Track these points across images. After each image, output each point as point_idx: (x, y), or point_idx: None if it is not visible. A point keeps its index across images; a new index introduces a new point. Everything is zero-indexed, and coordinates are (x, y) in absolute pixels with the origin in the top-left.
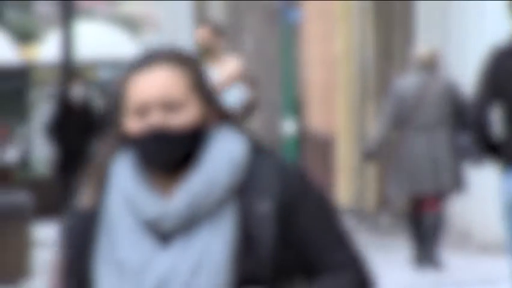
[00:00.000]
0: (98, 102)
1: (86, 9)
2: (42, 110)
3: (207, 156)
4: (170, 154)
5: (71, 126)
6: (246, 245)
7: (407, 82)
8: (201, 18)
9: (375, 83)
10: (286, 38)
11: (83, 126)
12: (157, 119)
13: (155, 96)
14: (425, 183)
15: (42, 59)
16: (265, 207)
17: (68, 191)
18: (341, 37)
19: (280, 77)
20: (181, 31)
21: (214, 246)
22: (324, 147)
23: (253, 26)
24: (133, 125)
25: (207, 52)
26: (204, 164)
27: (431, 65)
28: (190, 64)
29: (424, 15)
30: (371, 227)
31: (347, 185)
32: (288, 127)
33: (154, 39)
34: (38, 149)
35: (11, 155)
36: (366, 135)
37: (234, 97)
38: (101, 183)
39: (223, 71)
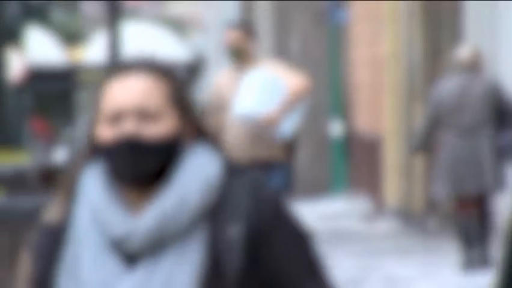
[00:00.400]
0: None
1: (133, 10)
2: (89, 111)
3: (179, 174)
4: (141, 165)
5: None
6: (214, 269)
7: (448, 84)
8: (248, 19)
9: (422, 84)
10: (334, 39)
11: None
12: (130, 127)
13: (130, 103)
14: (467, 183)
15: (89, 60)
16: (235, 231)
17: None
18: (388, 38)
19: (327, 78)
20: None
21: (180, 271)
22: (371, 148)
23: (301, 26)
24: (105, 133)
25: (238, 54)
26: (175, 181)
27: (473, 67)
28: (169, 76)
29: (472, 15)
30: (419, 228)
31: (394, 187)
32: (336, 128)
33: (200, 40)
34: None
35: (58, 156)
36: (414, 136)
37: (292, 122)
38: (69, 196)
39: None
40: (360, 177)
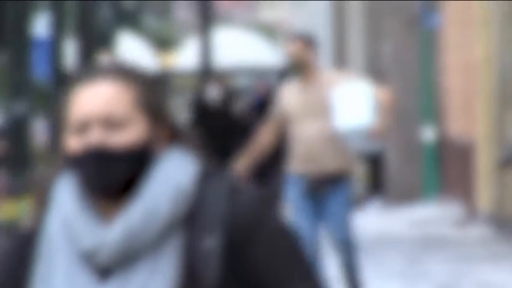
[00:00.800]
0: (236, 108)
1: (225, 16)
2: (181, 116)
3: (149, 183)
4: (110, 176)
5: (209, 129)
6: (190, 280)
7: None
8: (339, 23)
9: None
10: (426, 44)
11: (222, 129)
12: (96, 137)
13: (95, 112)
14: None
15: (181, 66)
16: (212, 241)
17: None
18: (480, 43)
19: (419, 83)
20: (320, 37)
21: (154, 283)
22: (463, 153)
23: (392, 30)
24: (74, 143)
25: (300, 66)
26: (145, 191)
27: None
28: (138, 80)
29: None
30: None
31: (487, 192)
32: (427, 134)
33: None
34: None
35: None
36: (506, 142)
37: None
38: (43, 206)
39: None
40: (452, 182)
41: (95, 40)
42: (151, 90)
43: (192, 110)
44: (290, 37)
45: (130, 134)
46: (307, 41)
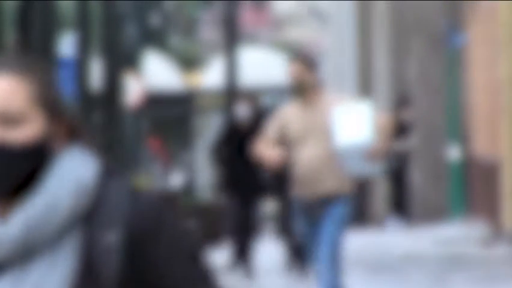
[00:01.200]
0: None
1: (250, 35)
2: (206, 136)
3: (49, 179)
4: (7, 173)
5: (238, 147)
6: (88, 276)
7: None
8: (365, 42)
9: None
10: (451, 63)
11: (250, 147)
12: None
13: None
14: None
15: (206, 85)
16: (112, 237)
17: (237, 215)
18: (505, 62)
19: (444, 102)
20: (345, 57)
21: (50, 279)
22: (489, 172)
23: (418, 50)
24: None
25: (301, 88)
26: (44, 187)
27: None
28: (36, 75)
29: None
30: None
31: None
32: (453, 152)
33: (318, 66)
34: (202, 175)
35: (176, 181)
36: None
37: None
38: None
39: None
40: (478, 201)
41: (120, 59)
42: (48, 85)
43: (222, 130)
44: (291, 58)
45: (27, 130)
46: (308, 62)
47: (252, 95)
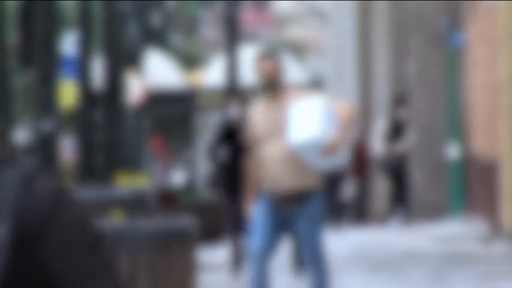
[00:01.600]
0: None
1: (250, 34)
2: (207, 134)
3: None
4: None
5: (233, 147)
6: None
7: None
8: (365, 41)
9: None
10: (450, 62)
11: (245, 148)
12: None
13: None
14: None
15: (207, 83)
16: (1, 230)
17: (232, 211)
18: (504, 61)
19: (444, 101)
20: (345, 55)
21: None
22: (487, 171)
23: (417, 49)
24: None
25: (272, 84)
26: None
27: None
28: None
29: None
30: None
31: (511, 210)
32: (452, 151)
33: (317, 63)
34: (203, 173)
35: (176, 178)
36: None
37: (345, 150)
38: None
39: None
40: (477, 199)
41: (122, 58)
42: None
43: (218, 129)
44: (260, 56)
45: None
46: (278, 60)
47: (244, 95)
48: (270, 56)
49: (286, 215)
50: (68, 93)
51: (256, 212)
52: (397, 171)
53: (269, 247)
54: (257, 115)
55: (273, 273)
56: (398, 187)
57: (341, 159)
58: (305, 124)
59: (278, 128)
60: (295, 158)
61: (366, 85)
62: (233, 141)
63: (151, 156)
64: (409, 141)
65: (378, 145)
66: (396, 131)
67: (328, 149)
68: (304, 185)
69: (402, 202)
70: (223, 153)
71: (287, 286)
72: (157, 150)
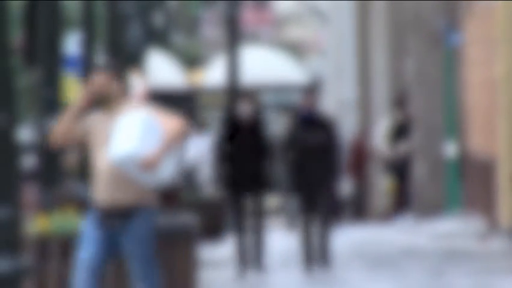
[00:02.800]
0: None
1: (251, 34)
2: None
3: None
4: None
5: (241, 145)
6: None
7: None
8: (363, 41)
9: None
10: (448, 61)
11: (253, 145)
12: None
13: None
14: None
15: (208, 83)
16: None
17: (238, 210)
18: (502, 61)
19: (442, 100)
20: (344, 55)
21: None
22: (485, 169)
23: (416, 48)
24: None
25: (105, 99)
26: None
27: None
28: None
29: None
30: None
31: (508, 206)
32: (450, 149)
33: (317, 63)
34: (204, 171)
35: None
36: None
37: (171, 166)
38: None
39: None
40: (475, 197)
41: (124, 58)
42: None
43: (224, 127)
44: (96, 69)
45: None
46: (113, 73)
47: (253, 93)
48: (104, 69)
49: (112, 230)
50: (72, 92)
51: (86, 223)
52: (402, 171)
53: (97, 260)
54: (93, 124)
55: (283, 272)
56: (403, 187)
57: (166, 174)
58: (124, 138)
59: (106, 140)
60: (119, 173)
61: (365, 84)
62: (240, 139)
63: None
64: (412, 144)
65: (381, 144)
66: (400, 131)
67: (146, 165)
68: (127, 200)
69: (408, 202)
70: (230, 150)
71: (297, 285)
72: None
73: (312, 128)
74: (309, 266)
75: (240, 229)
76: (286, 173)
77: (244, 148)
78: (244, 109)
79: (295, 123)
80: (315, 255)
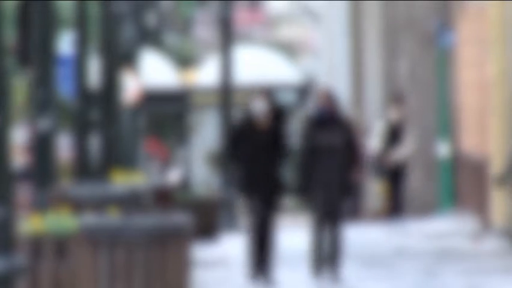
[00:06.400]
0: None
1: (244, 34)
2: (201, 132)
3: None
4: None
5: (257, 145)
6: None
7: None
8: (356, 41)
9: None
10: (441, 62)
11: (270, 145)
12: None
13: None
14: None
15: (201, 83)
16: None
17: (256, 212)
18: (494, 61)
19: (435, 100)
20: (337, 55)
21: None
22: (477, 169)
23: (409, 49)
24: None
25: None
26: None
27: None
28: None
29: None
30: None
31: (500, 206)
32: (442, 149)
33: (310, 63)
34: (198, 171)
35: (172, 176)
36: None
37: None
38: None
39: None
40: (467, 197)
41: (118, 58)
42: None
43: (238, 126)
44: None
45: None
46: None
47: (269, 91)
48: None
49: None
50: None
51: None
52: (395, 175)
53: None
54: None
55: (291, 273)
56: (396, 190)
57: None
58: None
59: None
60: None
61: (358, 84)
62: (256, 138)
63: (148, 154)
64: (409, 148)
65: (376, 147)
66: (394, 133)
67: None
68: None
69: (401, 203)
70: (245, 151)
71: (306, 286)
72: (154, 148)
73: (327, 128)
74: (318, 268)
75: (254, 230)
76: (298, 174)
77: (260, 148)
78: (260, 107)
79: (309, 124)
80: (325, 258)
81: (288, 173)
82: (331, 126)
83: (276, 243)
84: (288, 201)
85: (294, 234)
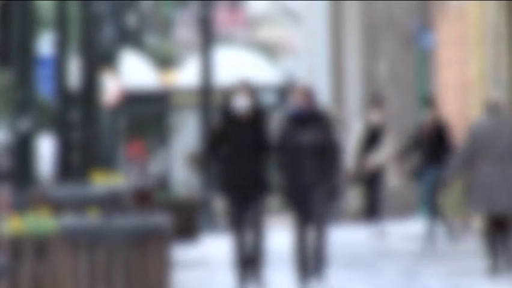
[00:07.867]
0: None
1: (225, 35)
2: (181, 133)
3: None
4: None
5: (239, 143)
6: None
7: (483, 122)
8: (336, 42)
9: (508, 108)
10: (421, 63)
11: (253, 142)
12: None
13: None
14: (500, 203)
15: (182, 83)
16: None
17: (237, 212)
18: (475, 61)
19: (415, 101)
20: (317, 56)
21: None
22: None
23: (389, 49)
24: None
25: None
26: None
27: (497, 108)
28: None
29: None
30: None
31: None
32: None
33: (290, 64)
34: (178, 172)
35: (152, 177)
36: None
37: None
38: None
39: None
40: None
41: (98, 58)
42: None
43: (219, 124)
44: None
45: None
46: None
47: (251, 88)
48: None
49: None
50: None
51: None
52: (373, 177)
53: None
54: None
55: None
56: (374, 192)
57: None
58: None
59: None
60: None
61: (338, 85)
62: (238, 136)
63: (128, 155)
64: (386, 153)
65: (353, 151)
66: (372, 137)
67: None
68: None
69: (380, 205)
70: (227, 150)
71: (275, 283)
72: (134, 149)
73: (306, 126)
74: (303, 270)
75: (238, 231)
76: (279, 174)
77: (243, 146)
78: (242, 102)
79: (288, 122)
80: (310, 259)
81: (271, 172)
82: (311, 123)
83: (265, 243)
84: (272, 200)
85: (278, 235)
